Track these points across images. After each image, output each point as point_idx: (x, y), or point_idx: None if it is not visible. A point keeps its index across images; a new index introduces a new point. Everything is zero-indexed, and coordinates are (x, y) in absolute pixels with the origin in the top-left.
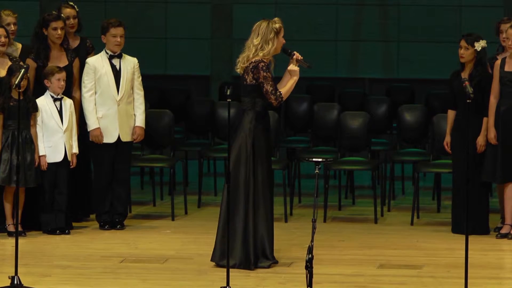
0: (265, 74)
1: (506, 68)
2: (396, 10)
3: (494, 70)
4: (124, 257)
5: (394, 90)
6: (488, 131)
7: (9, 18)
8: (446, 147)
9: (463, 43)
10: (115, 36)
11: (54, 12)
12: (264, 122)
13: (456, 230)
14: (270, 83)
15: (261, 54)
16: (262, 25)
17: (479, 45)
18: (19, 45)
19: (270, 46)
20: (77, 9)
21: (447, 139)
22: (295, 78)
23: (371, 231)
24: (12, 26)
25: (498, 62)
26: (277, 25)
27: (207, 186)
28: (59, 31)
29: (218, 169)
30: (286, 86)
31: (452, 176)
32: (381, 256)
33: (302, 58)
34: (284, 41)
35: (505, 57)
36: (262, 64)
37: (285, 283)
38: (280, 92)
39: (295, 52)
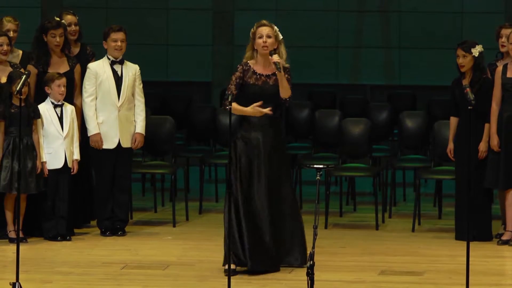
0: (233, 76)
1: (509, 75)
2: (397, 16)
3: (496, 76)
4: (125, 263)
5: (395, 97)
6: (490, 138)
7: (9, 25)
8: (449, 154)
9: (460, 52)
10: (116, 40)
11: (56, 18)
12: (246, 129)
13: (460, 237)
14: (229, 86)
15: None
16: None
17: (476, 50)
18: (20, 52)
19: (246, 51)
20: (77, 17)
21: (450, 146)
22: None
23: (372, 237)
24: (11, 32)
25: (500, 68)
26: (252, 30)
27: (208, 192)
28: (58, 39)
29: (219, 176)
30: (242, 108)
31: (455, 183)
32: (382, 262)
33: (279, 61)
34: (261, 42)
35: (507, 63)
36: (238, 66)
37: None
38: (231, 106)
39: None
